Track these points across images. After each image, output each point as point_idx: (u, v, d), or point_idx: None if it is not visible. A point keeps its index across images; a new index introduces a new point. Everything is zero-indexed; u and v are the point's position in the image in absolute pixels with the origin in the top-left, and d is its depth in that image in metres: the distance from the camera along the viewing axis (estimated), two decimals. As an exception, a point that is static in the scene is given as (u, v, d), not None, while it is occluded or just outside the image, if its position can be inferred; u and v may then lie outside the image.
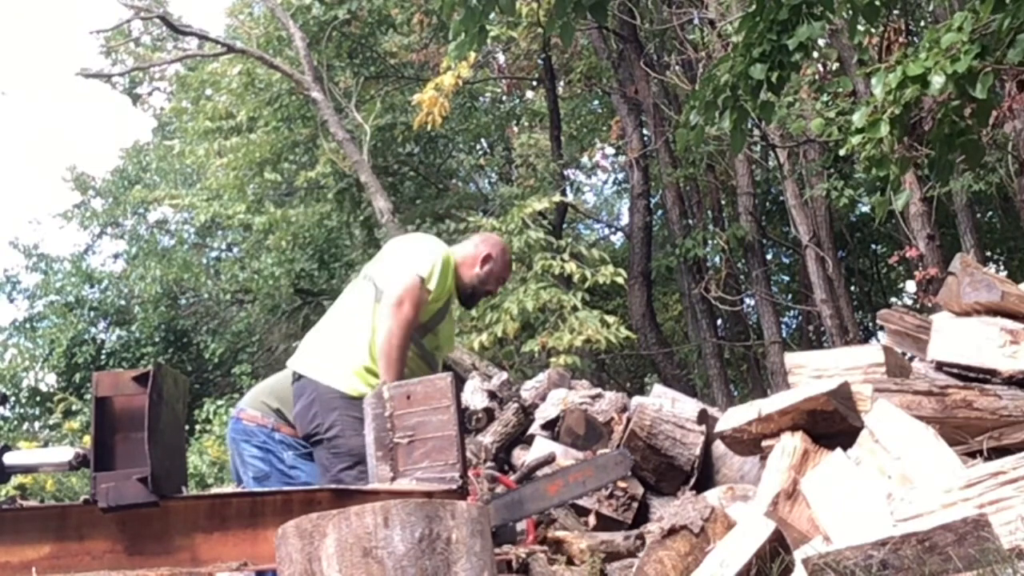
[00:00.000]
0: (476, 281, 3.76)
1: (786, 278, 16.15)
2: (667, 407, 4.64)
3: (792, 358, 4.01)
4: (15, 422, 15.94)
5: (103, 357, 15.23)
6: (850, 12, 4.98)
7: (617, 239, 17.27)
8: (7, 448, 2.45)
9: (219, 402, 12.79)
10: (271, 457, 3.73)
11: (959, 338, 3.67)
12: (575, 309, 9.34)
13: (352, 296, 3.77)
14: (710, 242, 12.33)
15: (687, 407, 4.79)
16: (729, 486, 4.03)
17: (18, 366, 15.70)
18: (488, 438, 5.11)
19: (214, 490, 8.86)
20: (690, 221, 12.87)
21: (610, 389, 5.77)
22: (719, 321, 13.42)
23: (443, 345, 3.77)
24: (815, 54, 9.44)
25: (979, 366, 3.54)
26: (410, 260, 3.57)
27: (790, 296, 15.25)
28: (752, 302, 13.31)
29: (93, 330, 15.98)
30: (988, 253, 13.35)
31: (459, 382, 2.94)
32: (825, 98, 10.05)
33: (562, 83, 14.02)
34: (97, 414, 2.33)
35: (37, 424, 16.02)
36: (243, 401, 4.01)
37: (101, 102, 44.76)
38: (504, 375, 5.96)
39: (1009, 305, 3.68)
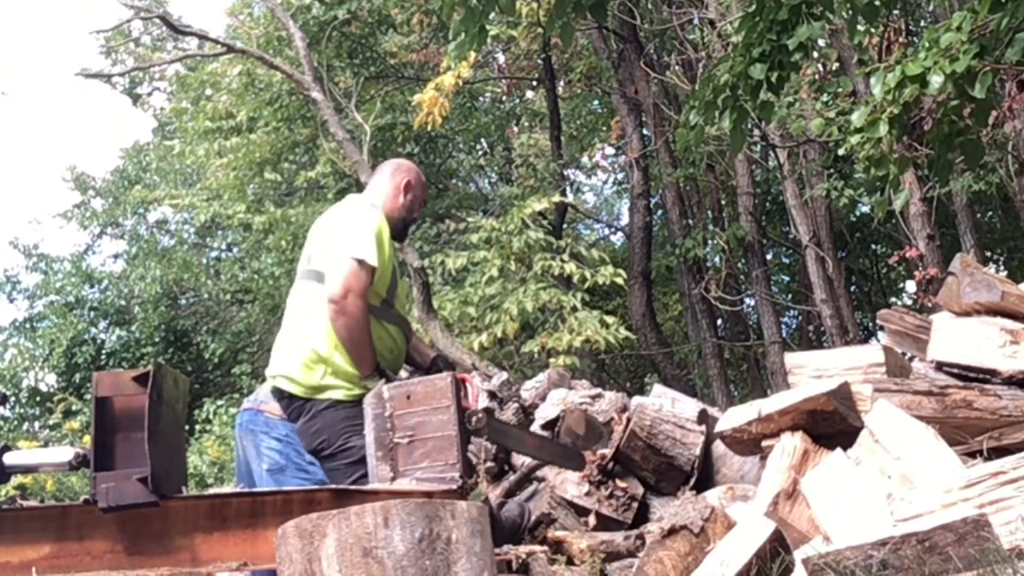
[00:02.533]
0: (404, 213, 3.63)
1: (786, 278, 16.15)
2: (667, 407, 4.63)
3: (792, 358, 4.01)
4: (15, 422, 15.94)
5: (103, 357, 15.23)
6: (850, 12, 4.98)
7: (617, 239, 17.28)
8: (7, 448, 2.45)
9: (219, 402, 12.79)
10: (289, 451, 3.71)
11: (959, 338, 3.66)
12: (575, 309, 9.34)
13: (303, 295, 3.60)
14: (710, 242, 12.33)
15: (687, 407, 4.78)
16: (729, 486, 4.02)
17: (18, 366, 15.69)
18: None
19: (214, 490, 8.85)
20: (690, 221, 12.86)
21: (610, 389, 5.75)
22: (719, 321, 13.42)
23: (406, 302, 3.73)
24: (815, 54, 9.43)
25: (979, 366, 3.54)
26: (348, 243, 3.38)
27: (790, 296, 15.25)
28: (752, 302, 13.30)
29: (93, 330, 15.98)
30: (988, 253, 13.34)
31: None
32: (825, 98, 10.04)
33: (562, 83, 14.01)
34: (97, 414, 2.33)
35: (37, 424, 16.02)
36: (260, 394, 3.97)
37: (101, 102, 44.72)
38: (504, 375, 5.94)
39: (1009, 305, 3.67)
